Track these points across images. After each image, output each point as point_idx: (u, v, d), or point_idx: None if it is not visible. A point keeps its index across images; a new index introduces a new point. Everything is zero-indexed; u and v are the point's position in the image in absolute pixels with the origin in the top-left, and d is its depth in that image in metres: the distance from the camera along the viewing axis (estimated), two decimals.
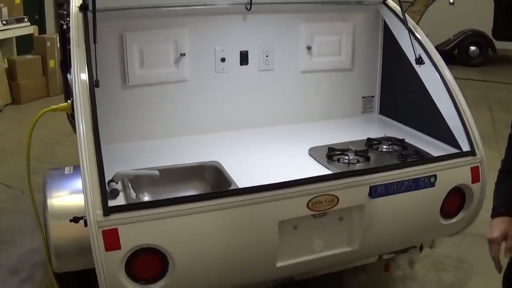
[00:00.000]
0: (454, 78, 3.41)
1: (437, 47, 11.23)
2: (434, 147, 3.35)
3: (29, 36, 9.73)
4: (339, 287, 3.91)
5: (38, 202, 3.38)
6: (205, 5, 3.44)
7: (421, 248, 3.55)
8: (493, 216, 2.34)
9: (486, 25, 11.81)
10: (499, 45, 12.02)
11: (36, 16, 10.66)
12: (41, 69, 9.19)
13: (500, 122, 8.11)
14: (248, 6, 3.49)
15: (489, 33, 11.90)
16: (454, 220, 3.22)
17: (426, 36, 3.59)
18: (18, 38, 9.75)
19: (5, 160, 6.35)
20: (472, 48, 12.07)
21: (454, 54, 12.02)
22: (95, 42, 2.86)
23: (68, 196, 3.19)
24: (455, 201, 3.18)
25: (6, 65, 8.95)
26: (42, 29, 10.61)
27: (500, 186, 2.44)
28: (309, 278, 3.27)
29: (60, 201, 3.15)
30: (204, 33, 3.50)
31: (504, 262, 2.44)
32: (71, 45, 2.90)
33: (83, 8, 3.02)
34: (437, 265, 4.21)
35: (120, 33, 3.30)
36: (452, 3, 11.50)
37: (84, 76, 2.72)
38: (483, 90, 10.06)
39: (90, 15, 2.94)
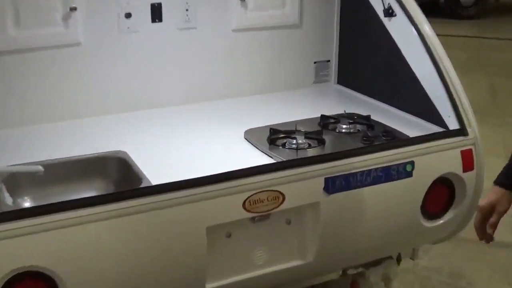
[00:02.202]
0: (441, 34, 3.51)
1: None
2: (409, 125, 3.46)
3: None
4: None
5: None
6: None
7: (398, 260, 3.63)
8: (494, 183, 2.53)
9: None
10: None
11: None
12: None
13: (501, 90, 8.33)
14: None
15: None
16: (441, 221, 3.33)
17: None
18: None
19: None
20: None
21: (440, 3, 12.25)
22: None
23: None
24: (441, 196, 3.29)
25: None
26: None
27: None
28: None
29: None
30: None
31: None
32: None
33: None
34: (423, 283, 4.35)
35: None
36: None
37: None
38: (479, 50, 10.32)
39: None
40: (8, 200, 2.77)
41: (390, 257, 3.58)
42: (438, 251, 4.55)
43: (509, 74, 9.08)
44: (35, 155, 3.06)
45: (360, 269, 3.55)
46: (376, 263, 3.55)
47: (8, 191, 2.82)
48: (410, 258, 3.71)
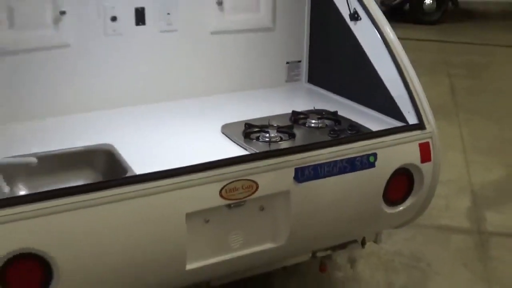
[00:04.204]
0: (405, 38, 3.56)
1: (383, 2, 11.54)
2: (373, 121, 3.51)
3: None
4: None
5: None
6: None
7: (363, 243, 3.68)
8: None
9: None
10: None
11: None
12: None
13: (461, 90, 8.39)
14: None
15: None
16: (401, 207, 3.38)
17: None
18: None
19: None
20: (428, 1, 12.36)
21: (405, 10, 12.29)
22: None
23: None
24: (401, 184, 3.33)
25: None
26: None
27: None
28: (231, 283, 3.36)
29: None
30: None
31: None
32: None
33: None
34: (386, 265, 4.39)
35: None
36: None
37: None
38: (441, 53, 10.36)
39: None
40: (5, 189, 2.80)
41: (355, 241, 3.63)
42: (400, 236, 4.61)
43: (466, 75, 9.16)
44: (28, 148, 3.08)
45: (328, 252, 3.59)
46: (342, 246, 3.59)
47: (5, 180, 2.85)
48: (374, 242, 3.75)
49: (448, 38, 11.36)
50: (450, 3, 12.44)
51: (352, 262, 3.86)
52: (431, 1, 12.33)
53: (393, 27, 3.50)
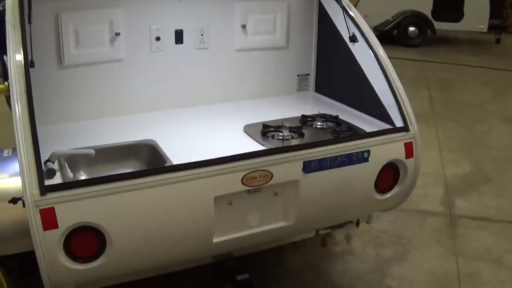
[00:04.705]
0: (393, 58, 3.53)
1: (376, 28, 11.45)
2: (368, 124, 3.47)
3: None
4: (279, 263, 4.02)
5: None
6: None
7: (357, 223, 3.65)
8: None
9: (425, 6, 12.14)
10: (439, 25, 12.39)
11: None
12: None
13: (437, 101, 8.38)
14: None
15: (428, 14, 12.23)
16: (389, 195, 3.35)
17: (365, 17, 3.70)
18: None
19: None
20: (411, 28, 12.39)
21: (393, 35, 12.31)
22: (29, 23, 2.89)
23: (7, 178, 3.18)
24: (389, 176, 3.30)
25: None
26: None
27: None
28: (249, 254, 3.35)
29: None
30: (138, 12, 3.53)
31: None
32: (6, 26, 2.90)
33: None
34: (376, 241, 4.36)
35: (56, 13, 3.30)
36: None
37: (19, 56, 2.74)
38: (422, 70, 10.35)
39: None
40: (69, 174, 2.79)
41: (351, 222, 3.60)
42: (387, 218, 4.60)
43: (443, 88, 9.16)
44: (88, 142, 3.09)
45: (328, 230, 3.58)
46: (341, 226, 3.57)
47: (69, 167, 2.85)
48: (366, 222, 3.73)
49: (427, 58, 11.36)
50: (429, 31, 12.46)
51: (348, 238, 3.84)
52: (414, 29, 12.37)
53: (383, 48, 3.48)
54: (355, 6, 11.65)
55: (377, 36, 3.62)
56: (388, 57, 3.46)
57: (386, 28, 11.93)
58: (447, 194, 5.25)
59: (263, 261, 3.95)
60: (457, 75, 10.12)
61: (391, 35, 12.14)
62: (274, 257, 4.04)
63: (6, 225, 3.04)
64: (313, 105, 3.93)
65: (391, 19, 12.06)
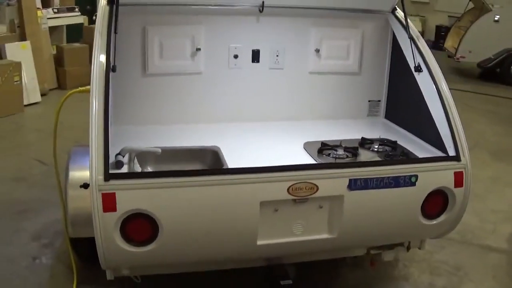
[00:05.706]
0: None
1: (479, 64, 11.16)
2: (425, 151, 3.57)
3: (79, 26, 10.28)
4: (333, 277, 4.16)
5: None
6: (221, 5, 3.80)
7: (408, 248, 3.75)
8: None
9: None
10: None
11: (88, 7, 11.20)
12: (88, 58, 9.60)
13: None
14: (261, 8, 3.83)
15: None
16: (436, 221, 3.42)
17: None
18: (69, 27, 10.31)
19: (43, 140, 6.82)
20: None
21: (497, 72, 12.04)
22: (115, 33, 3.26)
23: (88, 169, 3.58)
24: (437, 202, 3.37)
25: (54, 52, 9.48)
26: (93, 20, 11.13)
27: None
28: (305, 263, 3.53)
29: (79, 174, 3.54)
30: (219, 31, 3.85)
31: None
32: (95, 34, 3.29)
33: (109, 2, 3.41)
34: (433, 269, 4.40)
35: (144, 26, 3.70)
36: (497, 21, 11.52)
37: (102, 60, 3.10)
38: None
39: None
40: (137, 168, 3.14)
41: (402, 244, 3.71)
42: (450, 250, 4.64)
43: None
44: (160, 143, 3.39)
45: (379, 251, 3.70)
46: (390, 247, 3.68)
47: (139, 163, 3.20)
48: (418, 248, 3.80)
49: None
50: None
51: (396, 261, 3.88)
52: None
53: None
54: (460, 41, 11.47)
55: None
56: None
57: (489, 65, 11.67)
58: None
59: (318, 273, 4.11)
60: None
61: (494, 72, 11.88)
62: (331, 270, 4.19)
63: (80, 211, 3.41)
64: (378, 130, 4.04)
65: (492, 57, 11.76)
